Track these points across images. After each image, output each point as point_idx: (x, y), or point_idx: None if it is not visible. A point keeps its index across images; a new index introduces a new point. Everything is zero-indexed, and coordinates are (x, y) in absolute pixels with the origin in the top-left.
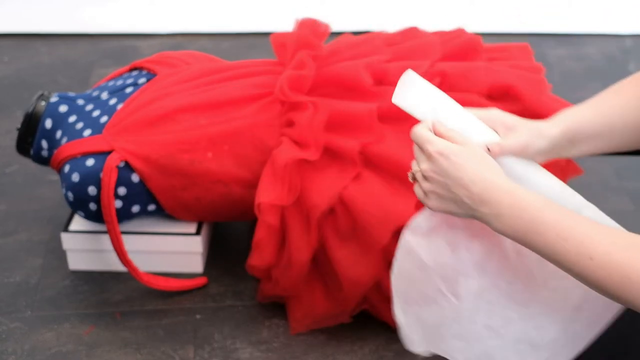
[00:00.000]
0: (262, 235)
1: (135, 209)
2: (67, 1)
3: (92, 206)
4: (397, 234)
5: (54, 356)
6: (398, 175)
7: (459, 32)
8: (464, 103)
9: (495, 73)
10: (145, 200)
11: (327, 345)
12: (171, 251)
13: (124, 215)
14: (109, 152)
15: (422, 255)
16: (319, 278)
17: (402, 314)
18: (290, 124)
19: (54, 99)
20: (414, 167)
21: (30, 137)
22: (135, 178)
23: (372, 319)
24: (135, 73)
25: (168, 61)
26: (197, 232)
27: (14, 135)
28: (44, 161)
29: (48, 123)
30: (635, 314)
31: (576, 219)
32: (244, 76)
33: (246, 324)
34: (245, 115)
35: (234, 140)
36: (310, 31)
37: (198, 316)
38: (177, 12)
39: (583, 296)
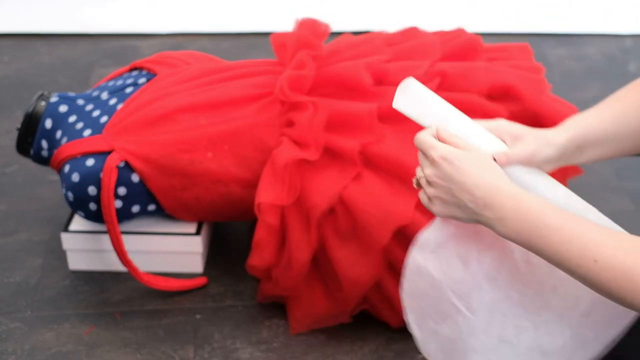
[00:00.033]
0: (262, 235)
1: (135, 209)
2: (67, 1)
3: (92, 206)
4: (397, 234)
5: (54, 356)
6: (398, 175)
7: (459, 32)
8: (464, 103)
9: (495, 73)
10: (145, 200)
11: (327, 345)
12: (171, 251)
13: (124, 215)
14: (109, 152)
15: (434, 273)
16: (319, 278)
17: (417, 329)
18: (290, 124)
19: (54, 99)
20: (418, 173)
21: (30, 137)
22: (135, 178)
23: (372, 319)
24: (135, 73)
25: (168, 61)
26: (197, 232)
27: (14, 135)
28: (44, 161)
29: (48, 123)
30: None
31: (580, 222)
32: (244, 76)
33: (246, 324)
34: (245, 115)
35: (234, 140)
36: (310, 31)
37: (198, 316)
38: (177, 12)
39: (591, 302)
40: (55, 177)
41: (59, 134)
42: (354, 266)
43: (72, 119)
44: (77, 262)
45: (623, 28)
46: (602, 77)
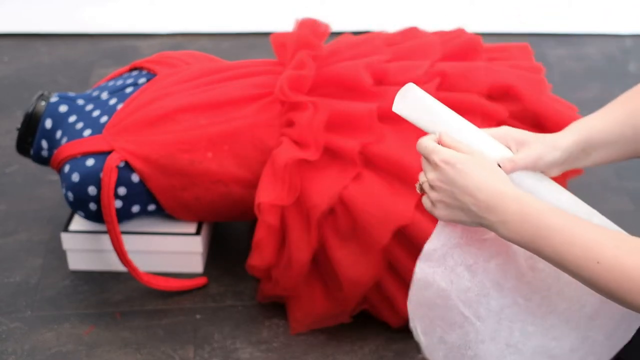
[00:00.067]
0: (262, 235)
1: (135, 209)
2: (67, 1)
3: (92, 206)
4: (397, 234)
5: (54, 356)
6: (398, 175)
7: (459, 32)
8: (464, 103)
9: (495, 73)
10: (145, 200)
11: (327, 345)
12: (171, 251)
13: (124, 215)
14: (109, 152)
15: (441, 282)
16: (319, 278)
17: (423, 336)
18: (290, 124)
19: (54, 99)
20: (421, 178)
21: (30, 137)
22: (135, 178)
23: (372, 319)
24: (135, 73)
25: (168, 61)
26: (197, 232)
27: (14, 135)
28: (44, 161)
29: (48, 123)
30: None
31: (582, 224)
32: (244, 76)
33: (246, 324)
34: (245, 115)
35: (234, 140)
36: (310, 31)
37: (198, 316)
38: (177, 12)
39: (597, 304)
40: (55, 177)
41: (59, 134)
42: (354, 266)
43: (72, 119)
44: (77, 262)
45: (623, 28)
46: (602, 77)
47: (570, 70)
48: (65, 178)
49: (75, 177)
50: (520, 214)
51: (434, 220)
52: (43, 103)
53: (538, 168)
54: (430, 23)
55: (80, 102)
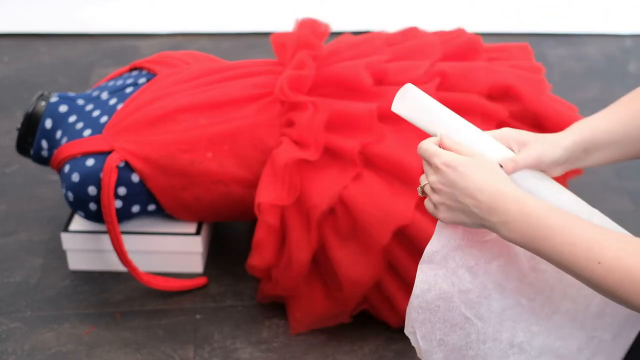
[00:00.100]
0: (262, 235)
1: (135, 209)
2: (67, 1)
3: (92, 206)
4: (397, 234)
5: (54, 356)
6: (398, 175)
7: (459, 32)
8: (464, 103)
9: (495, 73)
10: (145, 200)
11: (327, 345)
12: (171, 251)
13: (124, 215)
14: (109, 152)
15: (443, 284)
16: (319, 278)
17: (422, 341)
18: (290, 124)
19: (54, 99)
20: (422, 181)
21: (30, 137)
22: (135, 178)
23: (372, 319)
24: (135, 73)
25: (168, 61)
26: (197, 232)
27: (14, 135)
28: (44, 161)
29: (48, 123)
30: None
31: (583, 225)
32: (244, 76)
33: (246, 324)
34: (245, 115)
35: (234, 140)
36: (310, 31)
37: (198, 316)
38: (177, 12)
39: (602, 303)
40: (55, 177)
41: (59, 134)
42: (354, 266)
43: (72, 119)
44: (77, 262)
45: (623, 28)
46: (602, 77)
47: (570, 70)
48: (65, 178)
49: (75, 177)
50: (521, 215)
51: (434, 220)
52: (43, 103)
53: (540, 168)
54: (430, 23)
55: (80, 102)
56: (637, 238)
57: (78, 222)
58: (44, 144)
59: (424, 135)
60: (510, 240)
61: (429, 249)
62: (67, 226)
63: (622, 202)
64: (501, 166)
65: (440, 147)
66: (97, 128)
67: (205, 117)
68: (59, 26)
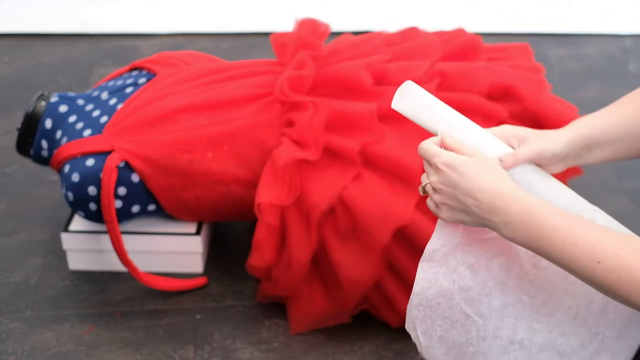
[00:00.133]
0: (262, 235)
1: (135, 209)
2: (67, 1)
3: (92, 206)
4: (397, 234)
5: (54, 356)
6: (398, 175)
7: (459, 32)
8: (464, 103)
9: (495, 73)
10: (145, 200)
11: (327, 345)
12: (171, 251)
13: (124, 215)
14: (109, 152)
15: (443, 282)
16: (319, 278)
17: (423, 337)
18: (290, 124)
19: (54, 99)
20: (424, 180)
21: (30, 137)
22: (135, 178)
23: (372, 319)
24: (135, 73)
25: (168, 61)
26: (197, 232)
27: (14, 135)
28: (44, 161)
29: (48, 123)
30: None
31: (583, 224)
32: (244, 76)
33: (246, 324)
34: (245, 115)
35: (234, 140)
36: (310, 31)
37: (198, 316)
38: (177, 12)
39: (605, 300)
40: (55, 177)
41: (59, 134)
42: (354, 266)
43: (72, 119)
44: (77, 262)
45: (623, 28)
46: (602, 77)
47: (570, 70)
48: (65, 178)
49: (75, 177)
50: (521, 215)
51: (434, 220)
52: (43, 103)
53: (540, 163)
54: (430, 23)
55: (80, 102)
56: (637, 237)
57: (78, 222)
58: (44, 144)
59: (424, 135)
60: (511, 240)
61: (429, 247)
62: (67, 226)
63: (622, 202)
64: (501, 160)
65: (441, 146)
66: (97, 128)
67: (205, 117)
68: (59, 26)
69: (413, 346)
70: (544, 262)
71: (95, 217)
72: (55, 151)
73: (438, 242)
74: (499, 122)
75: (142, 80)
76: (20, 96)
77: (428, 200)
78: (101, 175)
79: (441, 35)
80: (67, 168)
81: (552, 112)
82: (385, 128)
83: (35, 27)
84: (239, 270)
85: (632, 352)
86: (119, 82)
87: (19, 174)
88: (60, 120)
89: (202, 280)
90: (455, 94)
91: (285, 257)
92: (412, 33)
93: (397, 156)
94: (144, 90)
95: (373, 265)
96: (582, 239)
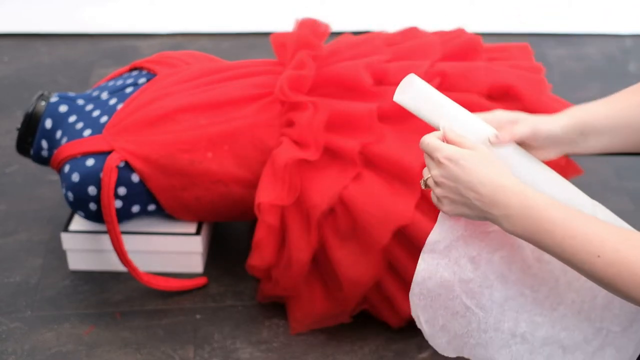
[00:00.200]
0: (262, 235)
1: (135, 209)
2: (67, 1)
3: (92, 206)
4: (397, 234)
5: (54, 356)
6: (398, 175)
7: (459, 32)
8: (464, 103)
9: (495, 73)
10: (145, 200)
11: (327, 345)
12: (171, 251)
13: (124, 215)
14: (109, 152)
15: (444, 273)
16: (319, 278)
17: (426, 325)
18: (290, 124)
19: (54, 99)
20: (425, 174)
21: (30, 137)
22: (135, 178)
23: (372, 319)
24: (135, 73)
25: (168, 61)
26: (197, 232)
27: (14, 135)
28: (44, 161)
29: (48, 123)
30: None
31: (583, 218)
32: (244, 76)
33: (246, 324)
34: (245, 115)
35: (234, 140)
36: (310, 31)
37: (198, 316)
38: (177, 12)
39: (610, 295)
40: (55, 177)
41: (59, 134)
42: (354, 266)
43: (72, 119)
44: (77, 262)
45: (623, 28)
46: (602, 77)
47: (570, 70)
48: (65, 178)
49: (75, 177)
50: (522, 208)
51: (434, 220)
52: (43, 103)
53: (534, 144)
54: (430, 23)
55: (80, 102)
56: (637, 232)
57: (78, 222)
58: (44, 144)
59: (424, 133)
60: (512, 233)
61: (431, 238)
62: (67, 226)
63: (622, 202)
64: (497, 136)
65: (443, 140)
66: (97, 128)
67: (205, 117)
68: (59, 26)
69: (413, 346)
70: (547, 256)
71: (95, 217)
72: (55, 151)
73: (439, 234)
74: None
75: (142, 80)
76: (20, 96)
77: (431, 193)
78: (101, 175)
79: (441, 35)
80: (67, 168)
81: (552, 112)
82: (385, 128)
83: (35, 27)
84: (239, 270)
85: (637, 347)
86: (119, 82)
87: (19, 174)
88: (60, 120)
89: (202, 280)
90: (455, 94)
91: (285, 257)
92: (412, 33)
93: (397, 156)
94: (144, 90)
95: (373, 265)
96: (581, 232)
